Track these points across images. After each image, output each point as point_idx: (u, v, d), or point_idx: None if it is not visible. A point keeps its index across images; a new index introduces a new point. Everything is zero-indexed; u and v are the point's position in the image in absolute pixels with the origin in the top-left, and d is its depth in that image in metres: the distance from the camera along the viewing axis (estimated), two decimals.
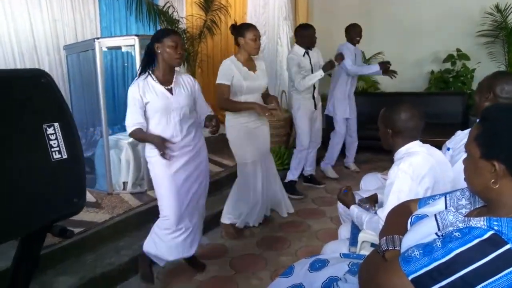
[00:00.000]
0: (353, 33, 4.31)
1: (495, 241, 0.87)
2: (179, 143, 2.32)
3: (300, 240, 3.10)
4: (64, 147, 1.09)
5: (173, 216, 2.34)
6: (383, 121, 1.79)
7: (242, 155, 3.02)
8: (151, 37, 2.30)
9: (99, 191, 3.44)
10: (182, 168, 2.34)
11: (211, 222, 3.25)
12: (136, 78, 2.31)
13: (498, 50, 5.42)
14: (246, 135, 2.95)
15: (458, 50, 5.52)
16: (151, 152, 2.32)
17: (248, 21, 5.21)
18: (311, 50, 3.88)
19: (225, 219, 3.18)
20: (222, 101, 2.86)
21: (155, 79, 2.27)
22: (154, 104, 2.24)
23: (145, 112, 2.27)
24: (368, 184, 2.59)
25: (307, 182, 4.31)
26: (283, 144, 4.67)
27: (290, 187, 3.97)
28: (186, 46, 5.28)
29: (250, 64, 2.94)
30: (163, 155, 2.21)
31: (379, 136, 1.88)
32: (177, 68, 2.38)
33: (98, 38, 3.22)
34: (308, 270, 1.43)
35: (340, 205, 2.39)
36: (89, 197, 3.34)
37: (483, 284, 0.85)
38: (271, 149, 4.49)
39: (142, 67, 2.31)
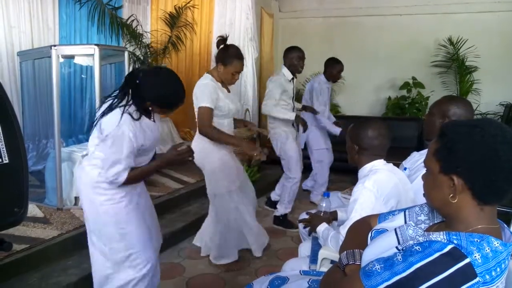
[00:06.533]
0: (335, 71, 4.12)
1: (455, 254, 0.87)
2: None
3: (260, 259, 3.03)
4: (5, 151, 1.00)
5: (153, 259, 1.96)
6: (351, 136, 1.79)
7: (223, 183, 2.72)
8: (148, 91, 1.76)
9: (48, 206, 3.23)
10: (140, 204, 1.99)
11: (169, 240, 3.13)
12: (120, 112, 1.73)
13: (451, 80, 5.76)
14: (226, 160, 2.74)
15: (413, 78, 5.80)
16: (112, 195, 1.83)
17: (213, 39, 5.22)
18: (295, 77, 3.71)
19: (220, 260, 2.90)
20: (205, 127, 2.59)
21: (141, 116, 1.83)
22: (148, 147, 1.86)
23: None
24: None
25: (273, 207, 3.94)
26: (245, 162, 4.64)
27: (284, 221, 3.73)
28: (149, 60, 5.21)
29: (224, 85, 2.75)
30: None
31: (345, 152, 1.87)
32: None
33: (55, 46, 3.07)
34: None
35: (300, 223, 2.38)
36: (37, 212, 3.13)
37: None
38: None
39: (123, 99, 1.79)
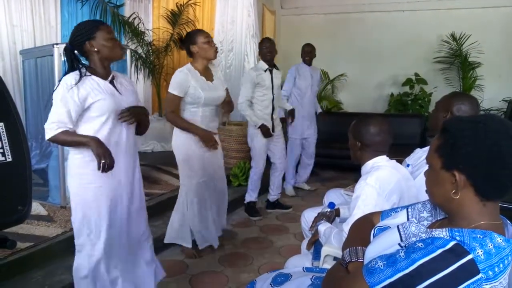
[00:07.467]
0: (302, 52, 4.41)
1: (458, 251, 0.87)
2: (122, 147, 2.00)
3: (262, 256, 3.04)
4: (8, 150, 1.00)
5: (102, 246, 1.96)
6: (353, 133, 1.80)
7: (192, 173, 2.81)
8: (71, 39, 1.91)
9: (51, 204, 3.25)
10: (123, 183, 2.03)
11: None
12: (65, 76, 1.85)
13: (454, 76, 5.73)
14: (197, 152, 2.78)
15: (416, 74, 5.78)
16: (83, 166, 1.88)
17: (216, 37, 5.22)
18: (276, 68, 3.78)
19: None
20: (169, 113, 2.73)
21: (95, 75, 1.92)
22: (104, 104, 1.88)
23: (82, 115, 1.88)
24: (331, 199, 2.59)
25: (273, 207, 4.08)
26: (248, 159, 4.64)
27: (249, 208, 3.90)
28: (151, 58, 5.21)
29: (207, 73, 2.79)
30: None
31: (348, 149, 1.87)
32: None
33: (57, 44, 3.08)
34: (271, 284, 1.39)
35: (303, 220, 2.39)
36: (41, 210, 3.15)
37: None
38: (235, 164, 4.48)
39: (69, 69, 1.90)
